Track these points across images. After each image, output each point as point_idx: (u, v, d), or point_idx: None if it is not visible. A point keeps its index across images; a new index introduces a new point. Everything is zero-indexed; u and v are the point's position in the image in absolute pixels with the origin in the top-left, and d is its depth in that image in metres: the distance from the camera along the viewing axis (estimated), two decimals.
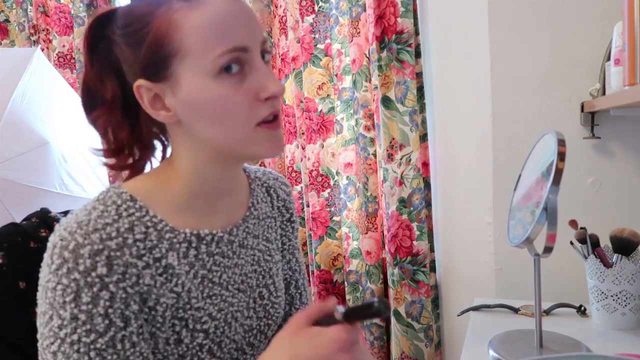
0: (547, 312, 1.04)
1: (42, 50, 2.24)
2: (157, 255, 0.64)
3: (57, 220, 0.84)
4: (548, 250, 0.77)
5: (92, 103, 0.68)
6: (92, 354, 0.59)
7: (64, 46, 2.31)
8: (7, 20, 2.38)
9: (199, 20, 0.60)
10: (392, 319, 1.61)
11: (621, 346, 0.88)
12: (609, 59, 1.03)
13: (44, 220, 0.84)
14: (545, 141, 0.83)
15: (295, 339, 0.58)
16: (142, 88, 0.63)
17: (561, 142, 0.77)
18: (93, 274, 0.59)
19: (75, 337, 0.58)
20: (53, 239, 0.61)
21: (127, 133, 0.68)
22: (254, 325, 0.74)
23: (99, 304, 0.59)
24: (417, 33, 1.52)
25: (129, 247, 0.62)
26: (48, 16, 2.33)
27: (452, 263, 1.53)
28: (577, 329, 0.95)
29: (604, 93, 1.08)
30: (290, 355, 0.57)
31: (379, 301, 0.55)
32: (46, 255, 0.60)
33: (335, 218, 1.82)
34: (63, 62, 2.31)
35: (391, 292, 1.61)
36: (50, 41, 2.33)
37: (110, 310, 0.60)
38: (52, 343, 0.59)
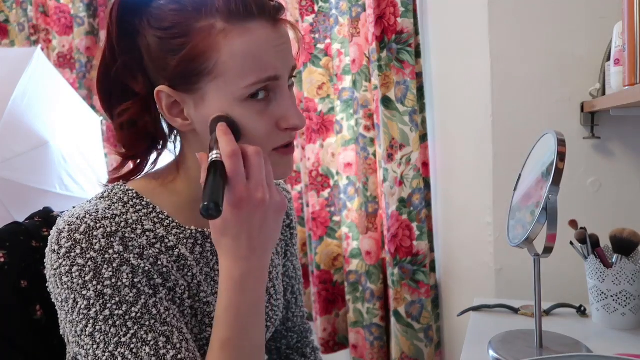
0: (547, 312, 1.04)
1: (42, 50, 2.24)
2: (169, 244, 0.65)
3: None
4: (548, 250, 0.77)
5: (118, 94, 0.65)
6: (129, 324, 0.57)
7: (64, 46, 2.31)
8: (7, 21, 2.38)
9: (239, 48, 0.59)
10: (392, 319, 1.61)
11: (621, 346, 0.88)
12: (609, 59, 1.03)
13: (47, 220, 0.84)
14: (545, 141, 0.83)
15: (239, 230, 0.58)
16: (162, 93, 0.62)
17: (561, 142, 0.77)
18: (110, 251, 0.57)
19: (107, 312, 0.56)
20: (57, 228, 0.59)
21: (151, 126, 0.66)
22: None
23: (123, 277, 0.57)
24: (417, 33, 1.52)
25: (140, 236, 0.62)
26: (48, 16, 2.32)
27: (452, 263, 1.53)
28: (577, 329, 0.95)
29: (604, 93, 1.08)
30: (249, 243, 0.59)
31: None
32: (51, 243, 0.59)
33: (335, 218, 1.81)
34: (63, 62, 2.30)
35: (391, 292, 1.61)
36: (50, 41, 2.33)
37: (135, 280, 0.58)
38: (86, 326, 0.57)
